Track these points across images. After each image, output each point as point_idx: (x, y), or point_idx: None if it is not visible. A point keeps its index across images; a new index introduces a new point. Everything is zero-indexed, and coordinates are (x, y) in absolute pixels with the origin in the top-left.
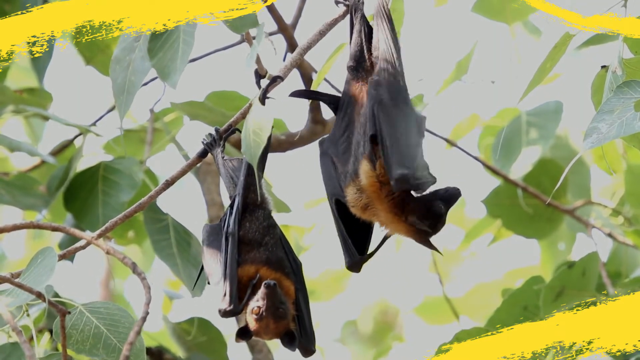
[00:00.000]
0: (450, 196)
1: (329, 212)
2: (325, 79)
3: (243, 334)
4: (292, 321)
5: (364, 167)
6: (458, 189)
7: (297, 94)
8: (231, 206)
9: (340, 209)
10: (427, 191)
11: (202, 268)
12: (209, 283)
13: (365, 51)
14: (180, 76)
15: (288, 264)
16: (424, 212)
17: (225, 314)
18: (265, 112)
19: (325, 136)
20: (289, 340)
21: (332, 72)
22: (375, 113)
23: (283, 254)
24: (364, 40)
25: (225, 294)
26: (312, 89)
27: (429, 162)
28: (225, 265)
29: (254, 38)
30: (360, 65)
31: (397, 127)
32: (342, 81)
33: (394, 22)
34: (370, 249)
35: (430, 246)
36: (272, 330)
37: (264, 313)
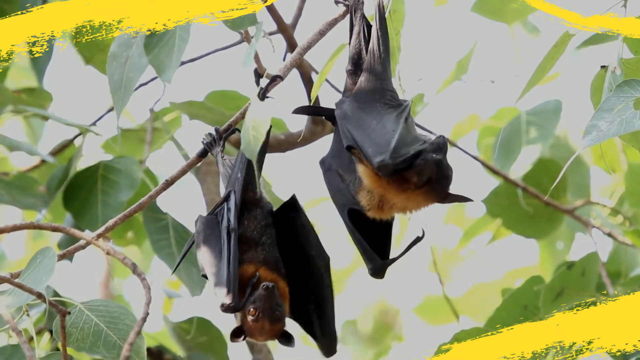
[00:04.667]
0: (437, 146)
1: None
2: (326, 80)
3: (237, 334)
4: (295, 312)
5: (360, 169)
6: (442, 136)
7: (299, 110)
8: (226, 200)
9: (353, 218)
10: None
11: (186, 252)
12: (204, 277)
13: (363, 53)
14: (174, 72)
15: (282, 265)
16: (421, 168)
17: (227, 309)
18: (264, 108)
19: (324, 155)
20: (286, 340)
21: (333, 73)
22: (343, 128)
23: (278, 254)
24: (362, 42)
25: (228, 290)
26: (313, 91)
27: (418, 134)
28: (228, 262)
29: (252, 37)
30: (359, 67)
31: (365, 126)
32: (343, 80)
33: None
34: (391, 253)
35: (458, 197)
36: (267, 332)
37: (260, 315)
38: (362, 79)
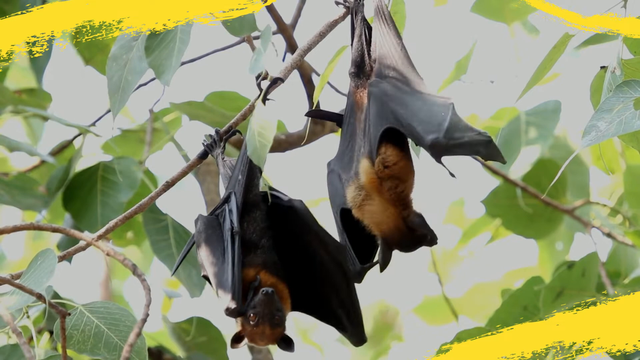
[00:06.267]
0: (432, 236)
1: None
2: (328, 82)
3: (238, 340)
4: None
5: (363, 165)
6: (435, 239)
7: (311, 114)
8: (226, 202)
9: (345, 221)
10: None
11: (186, 253)
12: (204, 277)
13: (365, 55)
14: (173, 74)
15: (281, 266)
16: (420, 225)
17: (231, 312)
18: (269, 112)
19: (331, 158)
20: (286, 345)
21: (333, 73)
22: (385, 103)
23: (277, 257)
24: (364, 44)
25: (233, 294)
26: (315, 93)
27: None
28: (232, 265)
29: (254, 39)
30: (362, 70)
31: (410, 105)
32: (343, 82)
33: (396, 24)
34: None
35: (413, 249)
36: (267, 337)
37: (260, 320)
38: (387, 72)
